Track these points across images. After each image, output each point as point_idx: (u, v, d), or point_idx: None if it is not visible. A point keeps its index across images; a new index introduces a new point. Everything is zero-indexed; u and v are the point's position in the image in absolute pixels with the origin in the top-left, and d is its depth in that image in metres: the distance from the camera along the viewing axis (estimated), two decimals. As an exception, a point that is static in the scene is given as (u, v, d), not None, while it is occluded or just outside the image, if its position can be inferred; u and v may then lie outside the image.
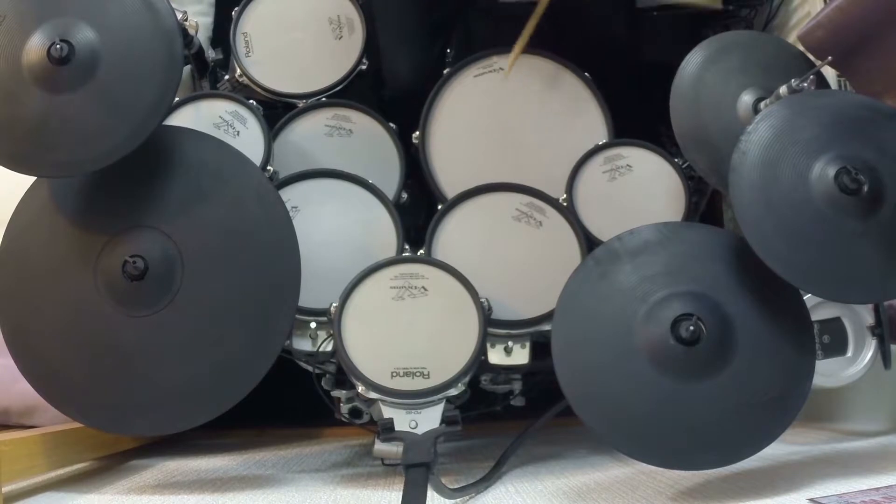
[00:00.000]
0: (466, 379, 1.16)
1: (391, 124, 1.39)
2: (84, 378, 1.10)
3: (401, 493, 0.99)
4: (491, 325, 1.20)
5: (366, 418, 1.29)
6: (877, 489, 0.95)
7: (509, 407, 1.36)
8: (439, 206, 1.32)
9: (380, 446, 1.13)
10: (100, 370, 1.10)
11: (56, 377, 1.10)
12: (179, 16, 1.14)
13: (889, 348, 1.16)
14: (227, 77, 1.43)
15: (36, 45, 1.04)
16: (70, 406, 1.11)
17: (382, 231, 1.29)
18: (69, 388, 1.10)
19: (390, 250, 1.27)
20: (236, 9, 1.42)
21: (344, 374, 1.21)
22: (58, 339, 1.10)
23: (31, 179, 1.14)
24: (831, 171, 0.98)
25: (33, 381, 1.10)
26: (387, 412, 1.13)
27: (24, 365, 1.11)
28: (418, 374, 1.14)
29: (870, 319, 1.16)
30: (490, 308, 1.20)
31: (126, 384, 1.09)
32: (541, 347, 1.22)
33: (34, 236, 1.12)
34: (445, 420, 1.13)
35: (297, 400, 1.43)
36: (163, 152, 1.14)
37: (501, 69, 1.40)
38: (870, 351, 1.17)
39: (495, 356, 1.24)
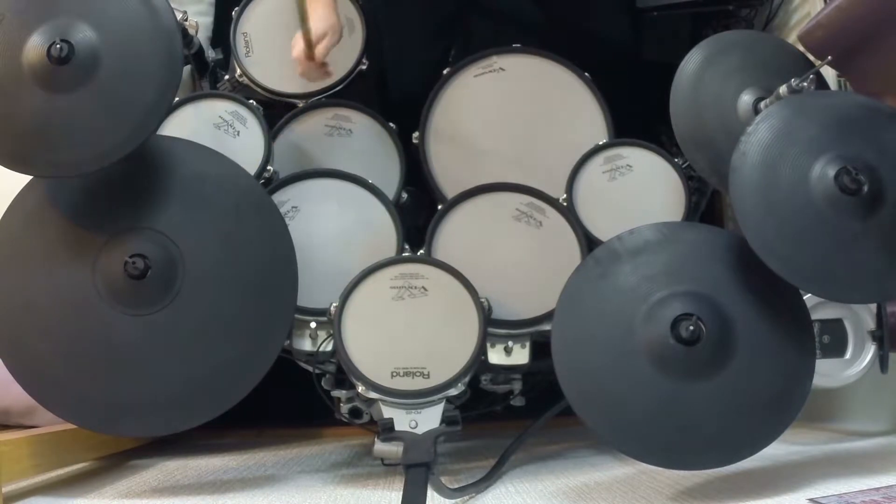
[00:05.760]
0: (466, 379, 1.16)
1: (391, 124, 1.39)
2: (78, 377, 1.09)
3: (401, 493, 0.99)
4: (491, 325, 1.20)
5: (366, 418, 1.29)
6: (877, 489, 0.95)
7: (509, 407, 1.36)
8: (439, 206, 1.32)
9: (380, 446, 1.13)
10: (95, 369, 1.09)
11: (48, 376, 1.09)
12: (179, 16, 1.15)
13: (888, 352, 1.16)
14: (227, 77, 1.43)
15: (36, 45, 1.04)
16: (62, 406, 1.10)
17: (382, 231, 1.29)
18: (62, 388, 1.09)
19: (390, 250, 1.27)
20: (236, 9, 1.43)
21: (344, 374, 1.22)
22: (51, 337, 1.09)
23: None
24: (831, 172, 0.98)
25: (22, 379, 1.09)
26: (387, 412, 1.13)
27: (13, 364, 1.09)
28: (418, 373, 1.14)
29: (871, 324, 1.16)
30: (490, 308, 1.20)
31: (124, 384, 1.09)
32: (541, 347, 1.22)
33: (28, 235, 1.12)
34: (445, 420, 1.13)
35: (297, 400, 1.43)
36: (164, 161, 1.15)
37: (501, 69, 1.40)
38: (868, 355, 1.17)
39: (495, 356, 1.24)
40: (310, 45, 1.24)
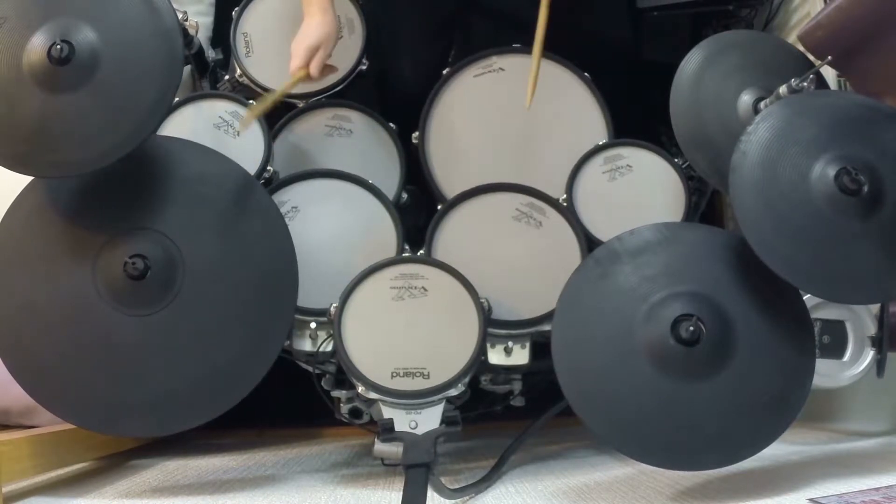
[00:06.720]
0: (466, 379, 1.16)
1: (391, 124, 1.39)
2: (78, 377, 1.09)
3: (401, 493, 0.99)
4: (491, 325, 1.20)
5: (366, 418, 1.29)
6: (877, 489, 0.95)
7: (509, 407, 1.36)
8: (439, 206, 1.32)
9: (380, 446, 1.13)
10: (95, 369, 1.09)
11: (48, 377, 1.09)
12: (179, 16, 1.15)
13: (885, 356, 1.16)
14: (227, 77, 1.43)
15: (37, 46, 1.04)
16: (62, 406, 1.10)
17: (382, 231, 1.29)
18: (62, 388, 1.09)
19: (390, 250, 1.27)
20: (236, 9, 1.42)
21: (344, 374, 1.22)
22: (51, 337, 1.09)
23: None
24: (831, 172, 0.98)
25: (22, 379, 1.09)
26: (387, 412, 1.13)
27: (13, 364, 1.09)
28: (418, 374, 1.14)
29: (873, 329, 1.16)
30: (490, 308, 1.20)
31: (124, 384, 1.09)
32: (541, 347, 1.22)
33: (29, 235, 1.12)
34: (445, 420, 1.13)
35: (297, 400, 1.43)
36: (164, 161, 1.15)
37: (501, 69, 1.40)
38: (866, 360, 1.17)
39: (495, 356, 1.24)
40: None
